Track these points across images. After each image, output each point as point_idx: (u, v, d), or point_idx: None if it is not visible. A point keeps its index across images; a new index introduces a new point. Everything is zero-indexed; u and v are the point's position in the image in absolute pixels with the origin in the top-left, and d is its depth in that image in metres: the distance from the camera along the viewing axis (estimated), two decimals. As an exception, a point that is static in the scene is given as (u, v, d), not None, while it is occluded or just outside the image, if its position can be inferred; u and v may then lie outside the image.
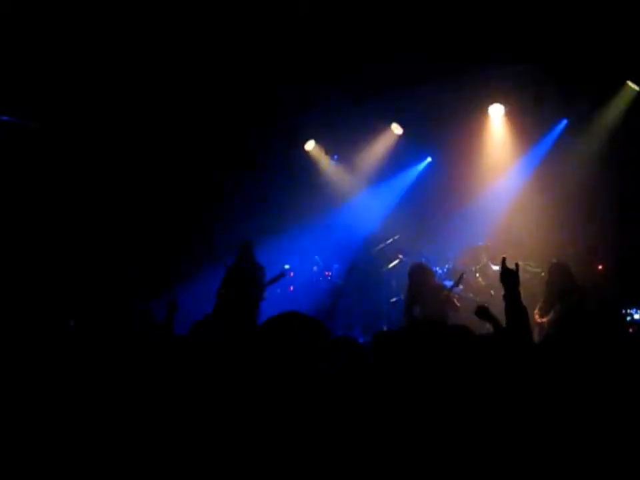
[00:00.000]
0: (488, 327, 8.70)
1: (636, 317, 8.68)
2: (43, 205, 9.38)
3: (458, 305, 8.23)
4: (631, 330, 8.13)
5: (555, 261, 7.91)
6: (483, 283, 9.64)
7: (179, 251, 10.60)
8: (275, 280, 9.18)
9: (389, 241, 10.57)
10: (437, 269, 9.60)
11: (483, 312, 4.89)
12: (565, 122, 10.56)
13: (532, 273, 8.90)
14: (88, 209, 9.83)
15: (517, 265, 4.26)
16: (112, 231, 9.94)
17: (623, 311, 8.77)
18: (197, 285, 9.73)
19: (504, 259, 4.32)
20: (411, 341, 3.03)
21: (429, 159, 11.70)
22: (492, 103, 10.66)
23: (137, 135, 9.96)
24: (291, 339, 2.65)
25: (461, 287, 8.68)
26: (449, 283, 8.46)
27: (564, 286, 7.55)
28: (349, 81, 9.97)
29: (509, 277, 4.12)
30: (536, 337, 6.98)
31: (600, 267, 9.65)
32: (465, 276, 8.44)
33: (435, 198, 11.14)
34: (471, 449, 2.36)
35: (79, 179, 9.76)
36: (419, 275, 8.33)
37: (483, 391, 2.50)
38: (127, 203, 10.17)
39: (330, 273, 10.83)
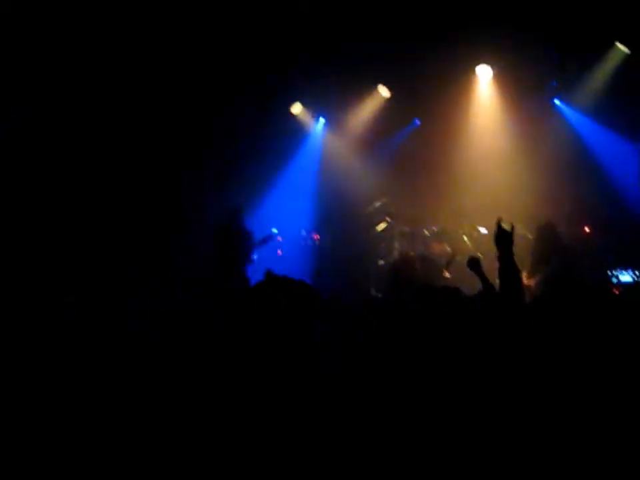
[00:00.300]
0: (478, 287, 8.73)
1: (622, 278, 8.74)
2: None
3: (448, 276, 8.24)
4: (617, 292, 8.18)
5: (543, 222, 7.91)
6: (470, 245, 9.65)
7: (167, 220, 10.51)
8: (262, 243, 9.17)
9: (377, 204, 10.54)
10: (425, 231, 9.60)
11: (474, 263, 4.93)
12: (554, 82, 10.49)
13: (519, 236, 8.90)
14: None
15: (512, 225, 4.24)
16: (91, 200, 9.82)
17: (610, 273, 8.83)
18: (187, 251, 9.73)
19: (499, 221, 4.28)
20: (401, 308, 3.02)
21: (416, 121, 11.60)
22: (479, 64, 10.58)
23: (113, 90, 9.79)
24: (282, 303, 2.65)
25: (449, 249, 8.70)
26: None
27: (552, 247, 7.57)
28: (335, 43, 9.86)
29: (504, 238, 4.08)
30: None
31: (587, 229, 9.68)
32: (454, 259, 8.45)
33: (423, 160, 11.09)
34: (467, 412, 2.36)
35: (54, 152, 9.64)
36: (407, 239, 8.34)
37: (477, 354, 2.50)
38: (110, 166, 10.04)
39: (318, 237, 10.81)
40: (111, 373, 2.97)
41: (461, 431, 2.33)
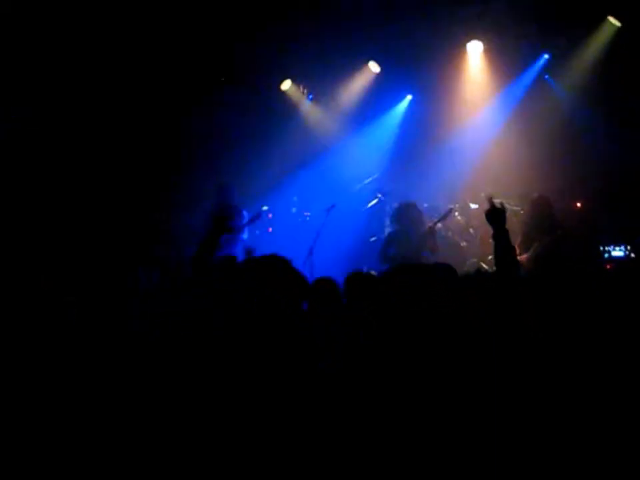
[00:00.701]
0: (468, 265, 8.77)
1: (614, 253, 8.75)
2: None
3: (437, 245, 8.26)
4: (608, 267, 8.21)
5: (536, 195, 7.89)
6: (462, 221, 9.65)
7: (157, 196, 10.46)
8: (252, 220, 9.12)
9: (368, 180, 10.52)
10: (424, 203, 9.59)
11: (496, 215, 4.12)
12: (545, 58, 10.43)
13: (511, 211, 8.91)
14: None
15: (501, 203, 4.20)
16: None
17: (602, 248, 8.84)
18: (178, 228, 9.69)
19: (490, 198, 4.24)
20: (388, 285, 2.98)
21: (409, 97, 11.53)
22: (470, 40, 10.49)
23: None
24: (270, 285, 2.62)
25: (439, 225, 8.69)
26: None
27: (544, 220, 7.57)
28: (325, 18, 9.77)
29: (497, 215, 4.05)
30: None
31: (578, 204, 9.69)
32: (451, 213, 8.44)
33: (414, 136, 11.06)
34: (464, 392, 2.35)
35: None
36: (402, 215, 8.34)
37: (472, 330, 2.47)
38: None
39: (309, 214, 10.78)
40: (111, 372, 2.96)
41: (461, 427, 2.32)
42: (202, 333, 2.84)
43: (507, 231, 3.87)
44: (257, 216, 9.17)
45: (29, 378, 2.93)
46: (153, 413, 2.51)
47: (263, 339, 2.61)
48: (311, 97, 11.72)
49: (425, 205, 9.44)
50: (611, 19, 9.60)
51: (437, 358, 2.49)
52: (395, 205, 8.83)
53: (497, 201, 4.17)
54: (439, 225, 8.65)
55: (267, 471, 2.31)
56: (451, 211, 8.62)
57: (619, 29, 9.60)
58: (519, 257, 7.65)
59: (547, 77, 10.53)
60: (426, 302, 2.61)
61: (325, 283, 5.21)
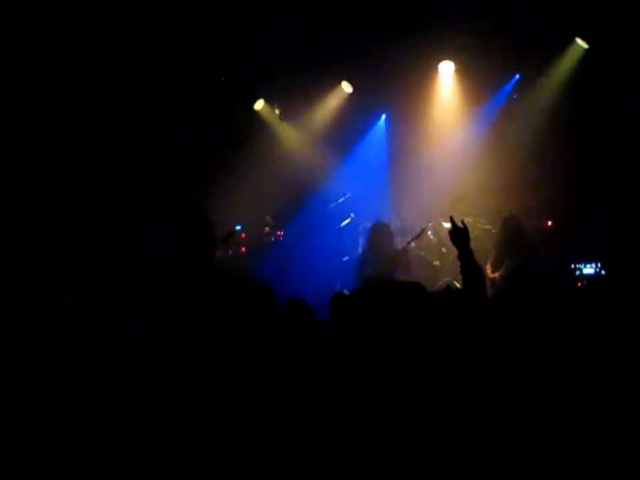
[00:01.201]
0: (440, 284, 8.79)
1: (585, 271, 8.83)
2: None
3: (410, 264, 8.29)
4: (579, 284, 8.27)
5: (507, 213, 7.97)
6: (434, 241, 9.69)
7: (125, 218, 10.37)
8: (225, 241, 9.05)
9: (341, 200, 10.54)
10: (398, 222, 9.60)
11: (458, 234, 4.11)
12: (516, 77, 10.54)
13: (483, 230, 8.98)
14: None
15: (462, 222, 4.22)
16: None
17: (573, 266, 8.92)
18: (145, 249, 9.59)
19: (451, 218, 4.26)
20: (365, 301, 2.98)
21: (383, 116, 11.60)
22: (442, 60, 10.60)
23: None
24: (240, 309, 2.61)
25: (413, 244, 8.73)
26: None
27: (516, 240, 7.64)
28: (300, 39, 9.81)
29: (459, 235, 4.06)
30: (488, 291, 7.06)
31: (549, 223, 9.77)
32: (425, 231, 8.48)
33: (388, 155, 11.13)
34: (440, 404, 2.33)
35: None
36: (375, 235, 8.38)
37: (440, 350, 2.46)
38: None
39: (282, 233, 10.75)
40: (111, 372, 2.93)
41: (460, 428, 2.31)
42: (202, 333, 2.81)
43: (470, 251, 3.89)
44: (229, 236, 9.11)
45: (28, 378, 2.91)
46: (152, 414, 2.48)
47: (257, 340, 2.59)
48: (281, 117, 11.71)
49: (399, 225, 9.48)
50: (579, 41, 9.73)
51: (411, 369, 2.49)
52: (368, 224, 8.86)
53: (462, 220, 4.19)
54: (412, 244, 8.69)
55: (266, 470, 2.29)
56: (423, 230, 8.67)
57: (586, 50, 9.74)
58: (490, 275, 7.72)
59: (514, 96, 10.64)
60: (397, 313, 2.61)
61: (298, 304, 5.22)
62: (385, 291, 2.97)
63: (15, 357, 3.13)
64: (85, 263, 8.51)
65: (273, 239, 10.70)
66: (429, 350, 2.48)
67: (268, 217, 10.80)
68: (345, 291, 6.69)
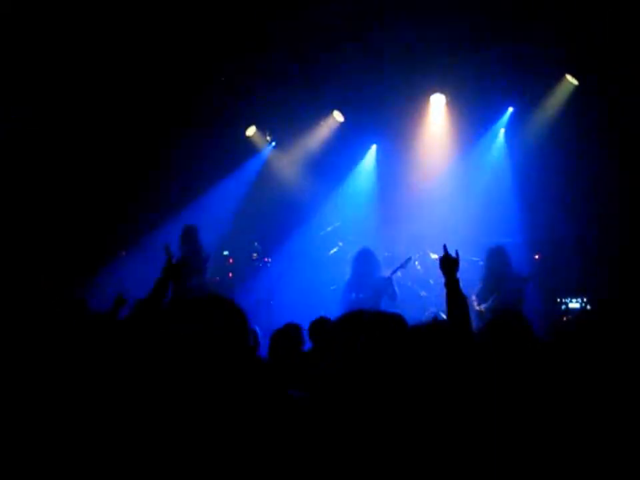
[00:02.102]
0: (427, 315, 8.78)
1: (570, 305, 8.85)
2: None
3: (396, 293, 8.30)
4: (565, 318, 8.30)
5: (494, 245, 8.00)
6: (422, 271, 9.70)
7: (115, 240, 10.35)
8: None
9: (330, 228, 10.55)
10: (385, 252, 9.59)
11: (448, 262, 4.17)
12: (508, 112, 10.63)
13: (469, 262, 8.99)
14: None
15: (456, 252, 4.26)
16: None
17: (558, 300, 8.94)
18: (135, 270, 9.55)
19: (445, 247, 4.31)
20: (345, 328, 2.97)
21: (374, 146, 11.64)
22: (433, 93, 10.68)
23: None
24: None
25: (399, 273, 8.74)
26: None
27: (502, 271, 7.67)
28: (291, 68, 9.89)
29: (449, 264, 4.09)
30: (474, 324, 7.06)
31: (536, 256, 9.81)
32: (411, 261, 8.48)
33: (377, 185, 11.16)
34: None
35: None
36: (360, 262, 8.40)
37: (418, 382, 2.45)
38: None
39: (269, 260, 10.73)
40: (111, 371, 2.91)
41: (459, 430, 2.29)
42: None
43: (457, 280, 3.91)
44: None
45: (28, 377, 2.88)
46: (152, 412, 2.44)
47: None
48: (274, 143, 11.75)
49: (386, 254, 9.49)
50: (569, 77, 9.84)
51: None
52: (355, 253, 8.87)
53: (456, 250, 4.22)
54: (399, 273, 8.70)
55: (265, 470, 2.26)
56: (409, 259, 8.67)
57: (576, 87, 9.85)
58: (477, 307, 7.73)
59: (505, 131, 10.74)
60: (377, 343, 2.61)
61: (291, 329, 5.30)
62: (366, 319, 2.97)
63: (15, 357, 3.12)
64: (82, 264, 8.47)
65: (260, 265, 10.67)
66: (406, 381, 2.47)
67: (256, 244, 10.79)
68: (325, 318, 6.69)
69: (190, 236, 8.94)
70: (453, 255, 4.29)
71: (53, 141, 9.53)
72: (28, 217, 9.10)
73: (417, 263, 9.59)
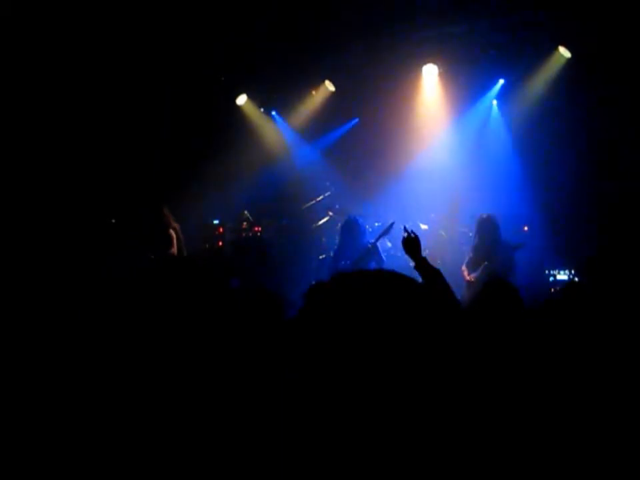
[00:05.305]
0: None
1: (558, 277, 8.92)
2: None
3: (383, 260, 8.31)
4: (553, 290, 8.35)
5: (484, 215, 8.02)
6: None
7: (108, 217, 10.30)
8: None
9: (320, 198, 10.53)
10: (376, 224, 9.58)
11: (410, 244, 4.08)
12: (500, 83, 10.58)
13: (460, 232, 9.02)
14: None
15: (405, 227, 4.17)
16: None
17: (547, 272, 9.00)
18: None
19: (405, 227, 4.21)
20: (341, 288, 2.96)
21: (364, 117, 11.59)
22: (426, 63, 10.62)
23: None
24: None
25: (389, 244, 8.76)
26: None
27: (493, 239, 7.71)
28: (282, 36, 9.80)
29: (410, 244, 4.02)
30: (466, 294, 7.09)
31: (525, 228, 9.84)
32: (394, 226, 8.47)
33: (369, 155, 11.13)
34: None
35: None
36: (345, 231, 8.41)
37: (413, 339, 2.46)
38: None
39: (260, 229, 10.73)
40: (111, 371, 2.91)
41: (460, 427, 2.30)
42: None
43: (424, 259, 3.84)
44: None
45: (28, 377, 2.88)
46: (152, 414, 2.45)
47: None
48: (264, 111, 11.69)
49: (376, 224, 9.49)
50: (562, 50, 9.79)
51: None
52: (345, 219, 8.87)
53: (412, 230, 4.12)
54: (388, 243, 8.74)
55: (264, 469, 2.27)
56: (392, 224, 8.57)
57: (568, 59, 9.80)
58: (467, 277, 7.77)
59: (496, 102, 10.71)
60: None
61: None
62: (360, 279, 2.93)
63: (15, 356, 3.11)
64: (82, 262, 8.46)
65: (250, 234, 10.67)
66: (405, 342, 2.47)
67: (246, 212, 10.78)
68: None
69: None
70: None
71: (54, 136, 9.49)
72: (28, 216, 9.06)
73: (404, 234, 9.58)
